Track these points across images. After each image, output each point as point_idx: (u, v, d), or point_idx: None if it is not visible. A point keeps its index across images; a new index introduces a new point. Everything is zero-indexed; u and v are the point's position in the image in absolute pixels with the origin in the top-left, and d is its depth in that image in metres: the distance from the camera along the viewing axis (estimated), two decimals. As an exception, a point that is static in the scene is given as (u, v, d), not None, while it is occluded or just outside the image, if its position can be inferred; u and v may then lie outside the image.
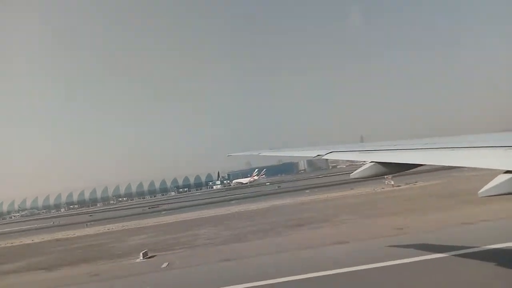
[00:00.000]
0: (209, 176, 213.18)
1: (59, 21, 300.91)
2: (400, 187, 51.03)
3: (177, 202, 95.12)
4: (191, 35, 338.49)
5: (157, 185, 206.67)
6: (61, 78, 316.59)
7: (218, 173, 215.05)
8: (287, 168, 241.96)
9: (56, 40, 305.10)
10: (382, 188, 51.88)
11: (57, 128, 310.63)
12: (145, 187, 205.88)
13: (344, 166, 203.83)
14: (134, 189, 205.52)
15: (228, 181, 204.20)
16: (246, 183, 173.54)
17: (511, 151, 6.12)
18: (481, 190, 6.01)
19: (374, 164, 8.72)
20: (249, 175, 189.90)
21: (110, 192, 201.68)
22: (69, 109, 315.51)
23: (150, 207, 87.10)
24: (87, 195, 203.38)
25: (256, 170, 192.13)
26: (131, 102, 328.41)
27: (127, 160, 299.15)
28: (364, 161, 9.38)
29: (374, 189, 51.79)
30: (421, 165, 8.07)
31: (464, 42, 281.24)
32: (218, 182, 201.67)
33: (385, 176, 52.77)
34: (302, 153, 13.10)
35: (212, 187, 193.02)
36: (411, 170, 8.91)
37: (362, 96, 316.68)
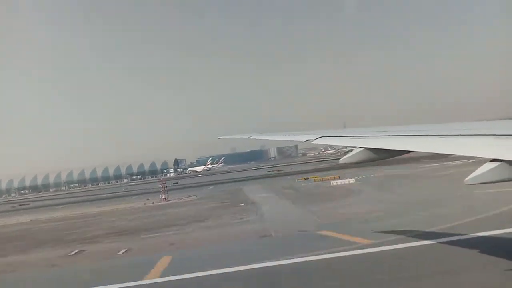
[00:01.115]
0: (164, 163, 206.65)
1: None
2: (168, 202, 48.12)
3: (65, 198, 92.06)
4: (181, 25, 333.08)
5: (111, 171, 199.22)
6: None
7: (176, 160, 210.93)
8: (257, 155, 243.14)
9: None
10: (152, 203, 49.57)
11: (17, 112, 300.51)
12: (99, 174, 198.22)
13: (313, 154, 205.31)
14: (87, 175, 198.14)
15: (182, 169, 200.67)
16: (200, 171, 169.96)
17: (499, 140, 6.16)
18: (467, 178, 6.06)
19: (363, 150, 8.70)
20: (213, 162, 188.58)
21: (63, 178, 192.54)
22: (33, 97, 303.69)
23: (20, 204, 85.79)
24: (39, 181, 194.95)
25: (210, 158, 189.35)
26: (103, 84, 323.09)
27: (91, 144, 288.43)
28: (347, 147, 9.40)
29: (144, 204, 49.99)
30: (410, 151, 8.09)
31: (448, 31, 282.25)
32: (171, 170, 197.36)
33: (160, 190, 50.73)
34: (292, 138, 13.08)
35: (166, 175, 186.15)
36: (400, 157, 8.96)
37: (349, 83, 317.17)
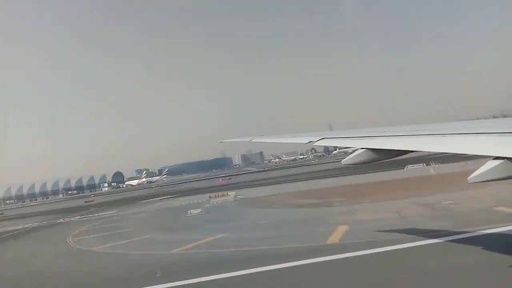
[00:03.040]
0: (103, 177, 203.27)
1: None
2: None
3: None
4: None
5: (49, 186, 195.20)
6: None
7: (118, 173, 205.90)
8: (221, 163, 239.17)
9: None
10: None
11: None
12: (37, 189, 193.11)
13: (275, 161, 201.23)
14: (25, 191, 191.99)
15: (116, 183, 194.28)
16: (135, 185, 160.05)
17: (500, 138, 6.23)
18: (470, 176, 6.11)
19: (365, 151, 8.76)
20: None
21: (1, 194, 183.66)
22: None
23: None
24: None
25: (144, 171, 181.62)
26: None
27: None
28: (349, 147, 9.48)
29: None
30: (412, 151, 8.18)
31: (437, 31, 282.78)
32: (106, 185, 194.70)
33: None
34: (293, 140, 13.11)
35: (102, 189, 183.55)
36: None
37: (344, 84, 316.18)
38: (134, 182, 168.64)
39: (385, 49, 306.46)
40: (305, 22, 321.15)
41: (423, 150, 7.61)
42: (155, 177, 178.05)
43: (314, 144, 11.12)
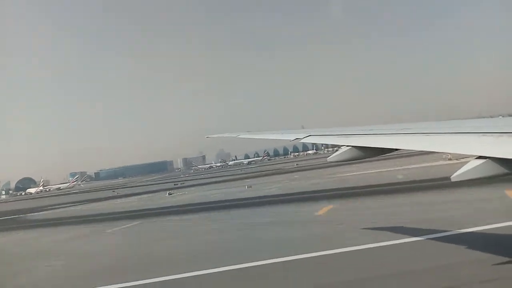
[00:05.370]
0: (7, 183, 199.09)
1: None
2: None
3: None
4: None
5: None
6: None
7: (26, 179, 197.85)
8: (161, 166, 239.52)
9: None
10: None
11: None
12: None
13: (194, 168, 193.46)
14: None
15: (13, 191, 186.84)
16: (33, 193, 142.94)
17: (485, 137, 6.27)
18: (453, 175, 6.13)
19: (350, 148, 8.76)
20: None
21: None
22: None
23: None
24: None
25: (42, 180, 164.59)
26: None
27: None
28: (335, 145, 9.47)
29: None
30: (397, 149, 8.21)
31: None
32: (4, 192, 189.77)
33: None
34: (280, 137, 13.06)
35: (1, 196, 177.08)
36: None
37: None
38: (33, 190, 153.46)
39: (376, 50, 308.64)
40: (292, 22, 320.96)
41: (407, 148, 7.63)
42: (64, 184, 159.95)
43: (301, 141, 11.08)
